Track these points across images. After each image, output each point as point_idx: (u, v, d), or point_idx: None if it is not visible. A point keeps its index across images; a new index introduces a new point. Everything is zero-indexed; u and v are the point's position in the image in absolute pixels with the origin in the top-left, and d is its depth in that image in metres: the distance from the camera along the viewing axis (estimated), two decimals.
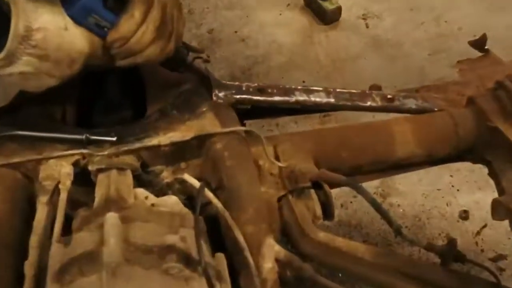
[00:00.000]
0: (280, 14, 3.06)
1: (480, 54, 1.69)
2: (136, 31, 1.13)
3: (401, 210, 2.26)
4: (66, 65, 1.09)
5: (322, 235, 1.25)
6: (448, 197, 2.28)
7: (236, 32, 2.97)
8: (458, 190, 2.30)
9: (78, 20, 1.09)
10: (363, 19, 3.03)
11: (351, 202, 2.27)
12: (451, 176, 2.33)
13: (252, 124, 1.58)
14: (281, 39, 2.93)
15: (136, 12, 1.11)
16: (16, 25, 0.99)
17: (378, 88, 1.51)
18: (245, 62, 2.82)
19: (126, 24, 1.12)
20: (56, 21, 1.03)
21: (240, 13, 3.07)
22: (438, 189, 2.30)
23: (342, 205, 2.26)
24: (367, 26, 3.00)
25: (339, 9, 2.97)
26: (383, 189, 2.30)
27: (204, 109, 1.32)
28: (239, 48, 2.89)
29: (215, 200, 1.18)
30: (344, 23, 3.00)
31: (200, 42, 2.92)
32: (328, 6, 2.96)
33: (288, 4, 3.11)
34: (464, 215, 2.23)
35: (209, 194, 1.18)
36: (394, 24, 3.00)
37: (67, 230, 1.12)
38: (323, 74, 2.76)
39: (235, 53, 2.86)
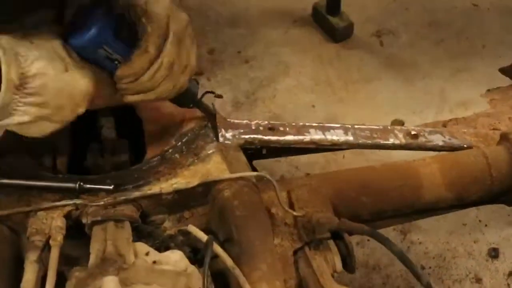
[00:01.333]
0: (287, 32, 3.03)
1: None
2: (150, 67, 1.09)
3: (424, 248, 2.21)
4: (69, 110, 1.04)
5: None
6: (475, 234, 2.24)
7: (239, 52, 2.94)
8: (486, 225, 2.25)
9: (87, 53, 1.05)
10: (377, 36, 3.00)
11: (368, 239, 2.22)
12: (477, 209, 2.28)
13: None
14: (288, 59, 2.90)
15: (151, 47, 1.07)
16: (8, 74, 0.95)
17: (401, 123, 1.48)
18: (249, 85, 2.79)
19: (140, 59, 1.08)
20: (54, 63, 1.00)
21: (243, 31, 3.04)
22: (464, 224, 2.26)
23: (358, 243, 2.21)
24: (381, 44, 2.97)
25: (350, 26, 2.95)
26: (403, 226, 2.25)
27: (210, 151, 1.29)
28: (243, 70, 2.86)
29: (224, 256, 1.14)
30: (356, 40, 2.97)
31: (200, 64, 2.88)
32: (338, 22, 2.93)
33: (295, 21, 3.08)
34: (494, 254, 2.18)
35: (217, 248, 1.15)
36: (411, 41, 2.97)
37: (58, 286, 1.09)
38: (335, 97, 2.73)
39: (239, 76, 2.83)
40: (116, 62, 1.08)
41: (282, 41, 2.99)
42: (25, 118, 1.00)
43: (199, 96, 1.29)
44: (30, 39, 1.00)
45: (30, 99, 0.98)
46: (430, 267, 2.16)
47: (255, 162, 1.46)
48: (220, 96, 1.33)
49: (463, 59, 2.87)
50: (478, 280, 2.11)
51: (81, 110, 1.06)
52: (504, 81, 2.64)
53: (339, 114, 2.66)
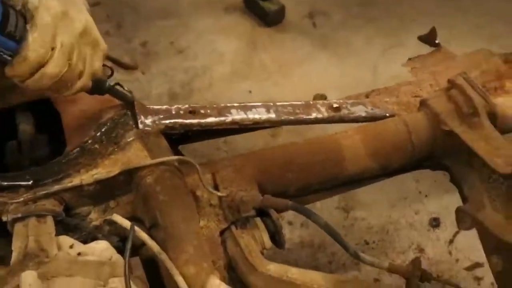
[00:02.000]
0: (219, 20, 3.04)
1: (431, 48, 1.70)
2: (33, 73, 1.10)
3: (367, 223, 2.25)
4: None
5: (273, 268, 1.22)
6: (416, 205, 2.29)
7: (172, 43, 2.94)
8: (426, 196, 2.31)
9: None
10: (310, 17, 3.04)
11: None
12: (416, 181, 2.34)
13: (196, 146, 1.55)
14: (222, 47, 2.91)
15: (31, 55, 1.07)
16: None
17: (323, 97, 1.50)
18: (184, 75, 2.79)
19: (20, 66, 1.08)
20: None
21: (175, 22, 3.04)
22: (405, 198, 2.31)
23: (302, 225, 2.24)
24: (314, 25, 3.01)
25: (282, 9, 2.97)
26: (346, 203, 2.29)
27: (130, 139, 1.29)
28: (177, 60, 2.86)
29: (150, 242, 1.15)
30: (289, 23, 3.00)
31: (133, 57, 2.87)
32: (270, 6, 2.96)
33: (227, 8, 3.10)
34: (435, 223, 2.24)
35: (142, 234, 1.15)
36: (344, 21, 3.02)
37: None
38: (270, 81, 2.75)
39: (173, 67, 2.83)
40: (2, 53, 1.06)
41: (215, 29, 3.00)
42: None
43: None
44: None
45: None
46: (374, 242, 2.20)
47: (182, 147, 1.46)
48: (129, 92, 1.32)
49: (395, 35, 2.93)
50: (421, 250, 2.16)
51: None
52: None
53: (275, 97, 2.67)
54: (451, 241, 2.19)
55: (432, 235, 2.22)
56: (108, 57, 1.87)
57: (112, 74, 1.30)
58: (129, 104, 1.33)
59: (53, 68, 1.10)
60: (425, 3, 3.10)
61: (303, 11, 3.05)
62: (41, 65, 1.09)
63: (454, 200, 2.21)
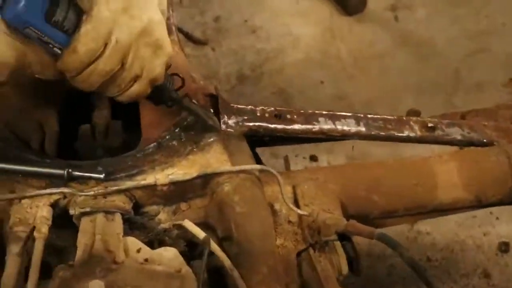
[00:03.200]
0: (297, 2, 2.92)
1: None
2: (82, 69, 1.02)
3: (431, 238, 2.15)
4: None
5: None
6: (486, 226, 2.17)
7: (246, 21, 2.84)
8: (497, 218, 2.17)
9: (16, 28, 0.97)
10: (392, 10, 2.90)
11: None
12: None
13: None
14: (297, 31, 2.80)
15: (81, 48, 0.99)
16: None
17: (417, 113, 1.39)
18: (255, 57, 2.70)
19: (69, 58, 1.00)
20: None
21: None
22: (474, 216, 2.18)
23: None
24: (396, 19, 2.87)
25: None
26: None
27: (210, 140, 1.21)
28: (249, 40, 2.76)
29: (222, 255, 1.08)
30: (370, 14, 2.87)
31: (204, 32, 2.79)
32: None
33: None
34: (504, 248, 2.11)
35: (215, 247, 1.08)
36: (428, 17, 2.87)
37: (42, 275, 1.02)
38: (345, 74, 2.64)
39: (244, 46, 2.74)
40: (51, 46, 0.99)
41: (292, 11, 2.88)
42: None
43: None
44: None
45: None
46: (436, 259, 2.09)
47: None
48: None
49: (481, 38, 2.77)
50: (487, 275, 2.04)
51: (1, 78, 1.03)
52: None
53: (348, 91, 2.58)
54: None
55: (500, 260, 2.10)
56: (178, 29, 1.80)
57: (183, 86, 1.21)
58: (197, 116, 1.23)
59: (103, 65, 1.02)
60: None
61: (386, 2, 2.91)
62: (91, 60, 1.01)
63: None
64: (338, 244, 1.17)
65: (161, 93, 1.15)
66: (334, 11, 2.88)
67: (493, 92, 2.54)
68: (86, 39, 0.99)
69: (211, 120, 1.22)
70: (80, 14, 1.00)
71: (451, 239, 2.15)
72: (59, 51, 1.00)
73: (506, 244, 2.12)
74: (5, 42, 0.99)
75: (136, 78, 1.08)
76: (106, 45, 1.01)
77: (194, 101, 1.21)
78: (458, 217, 2.17)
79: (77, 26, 0.99)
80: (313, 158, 2.33)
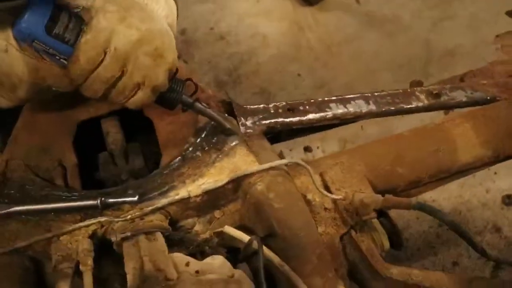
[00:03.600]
0: (258, 1, 2.93)
1: None
2: (86, 77, 1.06)
3: (437, 205, 2.17)
4: (8, 89, 1.07)
5: (395, 271, 1.16)
6: (486, 183, 2.21)
7: (212, 29, 2.83)
8: (495, 173, 2.21)
9: (23, 43, 1.02)
10: None
11: None
12: None
13: None
14: (264, 29, 2.80)
15: (82, 57, 1.04)
16: None
17: (419, 84, 1.41)
18: (229, 62, 2.69)
19: (72, 67, 1.05)
20: None
21: (212, 6, 2.93)
22: (473, 175, 2.21)
23: None
24: (357, 2, 2.89)
25: None
26: None
27: (233, 144, 1.21)
28: (220, 47, 2.76)
29: (269, 253, 1.08)
30: (331, 1, 2.89)
31: None
32: None
33: None
34: (508, 201, 2.15)
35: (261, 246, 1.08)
36: None
37: None
38: (319, 63, 2.65)
39: (216, 54, 2.73)
40: (57, 57, 1.04)
41: (255, 12, 2.89)
42: None
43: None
44: None
45: None
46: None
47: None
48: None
49: (443, 6, 2.82)
50: (498, 229, 2.09)
51: (21, 93, 1.08)
52: (492, 23, 2.63)
53: (326, 79, 2.60)
54: None
55: (507, 213, 2.14)
56: None
57: (196, 90, 1.21)
58: (209, 118, 1.23)
59: (104, 71, 1.06)
60: None
61: None
62: (93, 68, 1.05)
63: None
64: (376, 221, 1.18)
65: (171, 97, 1.16)
66: (295, 3, 2.89)
67: (465, 55, 2.59)
68: (86, 47, 1.04)
69: (228, 122, 1.22)
70: (81, 24, 1.03)
71: (456, 201, 2.18)
72: (65, 62, 1.04)
73: (509, 196, 2.16)
74: (17, 58, 1.03)
75: (138, 86, 1.10)
76: (105, 53, 1.05)
77: (204, 104, 1.21)
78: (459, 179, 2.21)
79: (78, 36, 1.03)
80: (307, 149, 2.34)
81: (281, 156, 2.00)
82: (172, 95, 1.16)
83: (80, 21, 1.03)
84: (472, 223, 2.13)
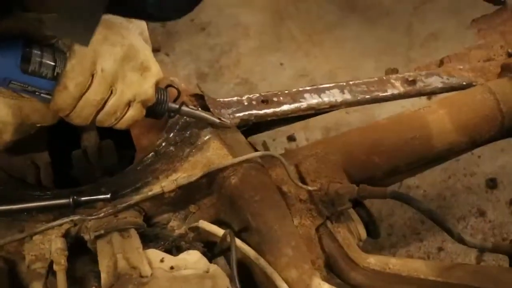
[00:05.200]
0: None
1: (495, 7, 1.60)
2: (75, 105, 1.02)
3: (422, 191, 2.18)
4: None
5: (373, 261, 1.16)
6: (471, 167, 2.21)
7: (193, 20, 2.81)
8: (479, 157, 2.22)
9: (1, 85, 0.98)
10: None
11: None
12: None
13: None
14: (245, 20, 2.79)
15: (70, 84, 0.99)
16: None
17: (395, 71, 1.41)
18: (210, 53, 2.68)
19: (60, 96, 1.00)
20: None
21: None
22: (457, 160, 2.22)
23: None
24: None
25: None
26: None
27: (206, 137, 1.20)
28: (201, 38, 2.75)
29: (245, 247, 1.07)
30: None
31: (155, 39, 2.75)
32: None
33: None
34: (492, 184, 2.16)
35: (237, 241, 1.08)
36: None
37: None
38: (301, 52, 2.64)
39: (197, 45, 2.72)
40: (37, 93, 1.00)
41: (236, 2, 2.88)
42: None
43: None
44: None
45: None
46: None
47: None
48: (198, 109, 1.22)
49: None
50: (482, 213, 2.09)
51: (8, 136, 1.04)
52: (473, 6, 2.61)
53: (308, 68, 2.59)
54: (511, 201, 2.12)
55: (491, 197, 2.15)
56: None
57: (179, 95, 1.19)
58: (200, 120, 1.22)
59: (94, 95, 1.01)
60: None
61: None
62: (82, 93, 1.01)
63: (510, 159, 2.18)
64: (352, 211, 1.18)
65: (158, 109, 1.14)
66: None
67: (447, 39, 2.59)
68: (73, 74, 0.99)
69: (217, 118, 1.21)
70: (57, 55, 1.00)
71: (441, 187, 2.18)
72: (47, 96, 1.00)
73: (492, 180, 2.16)
74: (4, 103, 1.00)
75: (129, 103, 1.07)
76: (93, 75, 1.01)
77: (191, 106, 1.20)
78: (443, 164, 2.21)
79: (54, 68, 0.99)
80: (291, 138, 2.34)
81: (264, 146, 1.99)
82: (159, 106, 1.14)
83: (52, 51, 1.00)
84: (457, 208, 2.13)
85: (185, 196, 1.16)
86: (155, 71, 1.10)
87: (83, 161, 1.26)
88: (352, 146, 1.25)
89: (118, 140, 1.31)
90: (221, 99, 1.26)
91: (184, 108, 1.17)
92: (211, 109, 1.23)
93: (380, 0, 2.80)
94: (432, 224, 2.02)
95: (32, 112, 1.04)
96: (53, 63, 0.99)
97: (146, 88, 1.07)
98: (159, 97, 1.13)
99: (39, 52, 0.98)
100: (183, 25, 2.80)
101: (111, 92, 1.04)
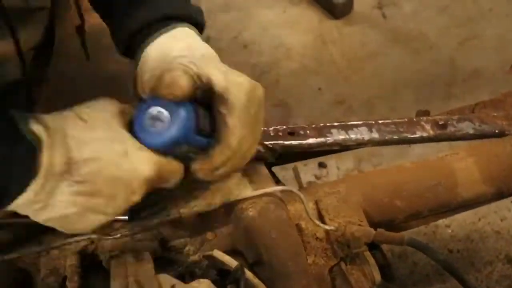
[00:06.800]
0: (284, 12, 2.93)
1: None
2: (229, 161, 1.01)
3: (450, 231, 2.15)
4: (123, 199, 0.91)
5: None
6: (502, 212, 2.17)
7: (236, 38, 2.84)
8: None
9: (162, 151, 0.93)
10: (379, 8, 2.91)
11: None
12: None
13: None
14: (288, 41, 2.80)
15: (233, 141, 0.98)
16: (51, 158, 0.84)
17: (426, 113, 1.39)
18: (251, 72, 2.68)
19: (221, 155, 0.99)
20: (112, 146, 0.89)
21: (237, 14, 2.94)
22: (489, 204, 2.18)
23: None
24: (384, 16, 2.88)
25: (350, 1, 2.85)
26: None
27: None
28: (242, 56, 2.77)
29: (255, 281, 1.08)
30: (357, 15, 2.88)
31: None
32: None
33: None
34: None
35: (247, 273, 1.08)
36: (415, 11, 2.88)
37: None
38: (340, 77, 2.64)
39: (238, 63, 2.73)
40: (190, 154, 0.98)
41: (280, 22, 2.89)
42: (70, 210, 0.88)
43: None
44: (82, 116, 0.90)
45: (79, 188, 0.86)
46: (458, 251, 2.09)
47: None
48: None
49: (471, 25, 2.78)
50: (510, 261, 2.05)
51: (137, 198, 0.94)
52: None
53: (346, 94, 2.59)
54: None
55: None
56: None
57: None
58: None
59: (246, 146, 1.03)
60: None
61: (372, 1, 2.92)
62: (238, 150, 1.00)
63: None
64: (368, 254, 1.17)
65: None
66: (321, 16, 2.89)
67: (490, 77, 2.56)
68: (236, 129, 0.98)
69: None
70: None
71: (470, 229, 2.15)
72: (193, 155, 0.99)
73: None
74: (142, 158, 0.92)
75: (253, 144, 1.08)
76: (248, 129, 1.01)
77: None
78: None
79: (211, 124, 0.98)
80: (322, 165, 2.33)
81: (295, 171, 1.99)
82: None
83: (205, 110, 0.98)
84: (485, 252, 2.09)
85: (203, 223, 1.17)
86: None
87: None
88: (375, 188, 1.24)
89: None
90: None
91: None
92: None
93: (425, 33, 2.77)
94: (457, 266, 2.01)
95: (168, 173, 0.97)
96: (210, 121, 0.99)
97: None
98: None
99: (202, 110, 0.97)
100: (226, 42, 2.83)
101: None
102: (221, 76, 0.98)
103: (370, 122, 1.33)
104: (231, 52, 2.78)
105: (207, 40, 2.86)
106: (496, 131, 1.36)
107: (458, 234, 2.14)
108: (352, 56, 2.72)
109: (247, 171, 1.20)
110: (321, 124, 1.31)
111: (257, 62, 2.73)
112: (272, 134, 1.28)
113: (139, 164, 0.90)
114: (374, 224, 1.20)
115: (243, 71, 2.72)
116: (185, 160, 1.00)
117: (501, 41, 2.67)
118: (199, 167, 1.00)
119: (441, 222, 2.15)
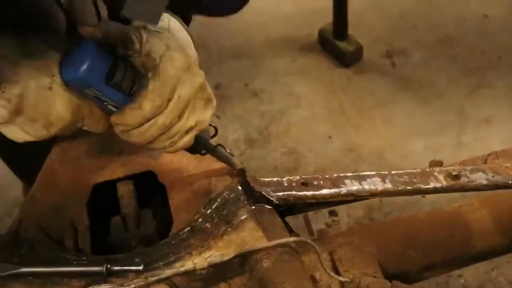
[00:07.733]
0: (294, 61, 2.97)
1: None
2: (142, 124, 1.06)
3: (462, 281, 2.13)
4: (42, 126, 1.01)
5: None
6: None
7: (246, 85, 2.88)
8: None
9: (74, 87, 1.01)
10: (388, 57, 2.94)
11: None
12: None
13: None
14: (298, 89, 2.84)
15: (147, 105, 1.03)
16: None
17: (439, 163, 1.40)
18: (261, 120, 2.72)
19: (132, 114, 1.04)
20: (40, 77, 0.99)
21: (248, 62, 2.98)
22: None
23: None
24: (393, 65, 2.91)
25: (360, 49, 2.89)
26: None
27: (243, 217, 1.21)
28: (252, 104, 2.80)
29: None
30: (367, 63, 2.91)
31: None
32: (347, 46, 2.87)
33: (301, 48, 3.02)
34: None
35: None
36: (424, 60, 2.91)
37: None
38: (350, 126, 2.66)
39: (249, 110, 2.77)
40: (106, 103, 1.03)
41: (290, 70, 2.93)
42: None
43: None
44: (28, 48, 0.99)
45: (4, 103, 0.97)
46: None
47: None
48: (232, 154, 1.26)
49: (480, 73, 2.81)
50: None
51: (54, 130, 1.03)
52: None
53: (357, 143, 2.60)
54: None
55: None
56: None
57: (216, 134, 1.23)
58: (228, 164, 1.25)
59: (164, 119, 1.06)
60: (506, 37, 2.97)
61: (381, 50, 2.96)
62: (154, 115, 1.05)
63: None
64: None
65: (200, 142, 1.17)
66: (331, 64, 2.92)
67: (501, 126, 2.57)
68: (153, 95, 1.03)
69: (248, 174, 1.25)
70: (136, 74, 1.03)
71: (483, 279, 2.13)
72: (113, 109, 1.04)
73: None
74: (62, 97, 1.00)
75: (189, 130, 1.11)
76: (169, 100, 1.05)
77: (228, 150, 1.24)
78: None
79: (133, 86, 1.03)
80: (333, 213, 2.33)
81: (306, 219, 1.99)
82: (201, 139, 1.18)
83: (135, 70, 1.04)
84: None
85: (217, 274, 1.17)
86: (215, 104, 1.16)
87: (121, 229, 1.29)
88: (389, 238, 1.24)
89: (157, 212, 1.34)
90: (261, 179, 1.28)
91: (220, 149, 1.22)
92: (251, 185, 1.24)
93: (435, 81, 2.80)
94: None
95: (88, 116, 1.05)
96: (132, 80, 1.03)
97: (206, 117, 1.13)
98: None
99: (123, 67, 1.02)
100: (236, 89, 2.86)
101: (179, 118, 1.08)
102: (163, 47, 1.04)
103: (383, 172, 1.34)
104: (241, 100, 2.81)
105: (217, 86, 2.90)
106: (510, 181, 1.36)
107: (471, 285, 2.12)
108: (362, 105, 2.74)
109: (262, 223, 1.21)
110: (335, 175, 1.31)
111: (267, 110, 2.76)
112: (285, 184, 1.28)
113: (57, 102, 1.00)
114: (388, 276, 1.20)
115: (252, 118, 2.76)
116: (107, 112, 1.06)
117: (511, 91, 2.70)
118: (113, 120, 1.06)
119: (454, 272, 2.14)
